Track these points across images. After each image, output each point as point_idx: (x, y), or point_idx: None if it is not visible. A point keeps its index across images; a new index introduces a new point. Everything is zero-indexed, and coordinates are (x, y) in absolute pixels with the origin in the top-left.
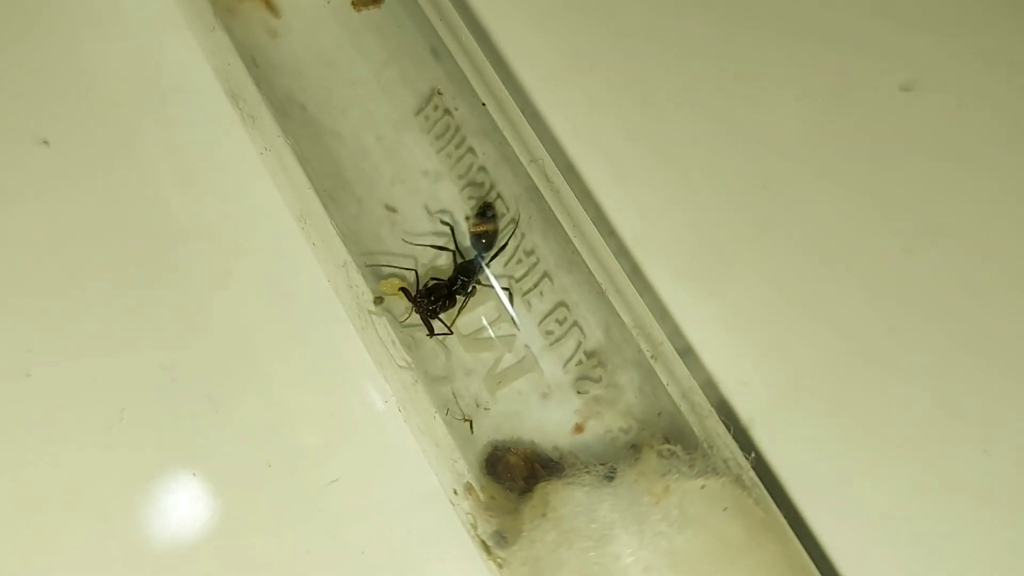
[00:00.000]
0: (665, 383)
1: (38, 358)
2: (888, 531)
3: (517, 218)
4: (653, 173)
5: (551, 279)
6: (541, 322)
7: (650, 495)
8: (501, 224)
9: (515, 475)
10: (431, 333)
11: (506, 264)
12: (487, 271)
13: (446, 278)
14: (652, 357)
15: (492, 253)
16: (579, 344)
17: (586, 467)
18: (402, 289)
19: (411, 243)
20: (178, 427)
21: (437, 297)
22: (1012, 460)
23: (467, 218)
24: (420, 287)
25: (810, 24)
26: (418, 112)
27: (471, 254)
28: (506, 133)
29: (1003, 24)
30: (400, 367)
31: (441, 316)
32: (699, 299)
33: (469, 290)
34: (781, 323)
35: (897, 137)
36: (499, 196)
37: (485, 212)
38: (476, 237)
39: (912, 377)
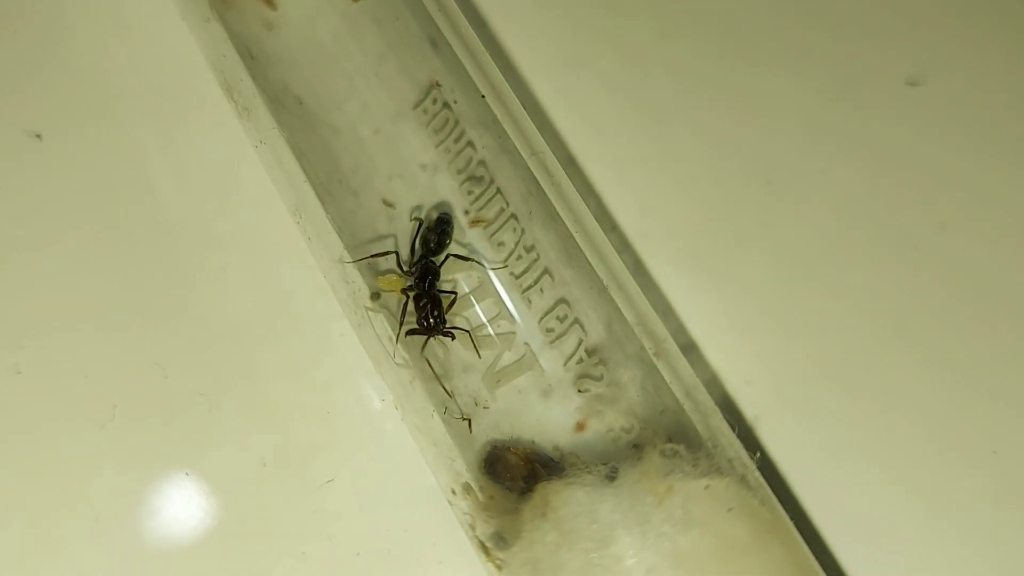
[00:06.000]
0: (668, 381)
1: (29, 355)
2: (895, 532)
3: (516, 212)
4: (656, 167)
5: (552, 275)
6: (541, 319)
7: (653, 495)
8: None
9: (515, 475)
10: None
11: (507, 260)
12: (487, 265)
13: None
14: (655, 354)
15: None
16: (580, 341)
17: (587, 467)
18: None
19: (350, 261)
20: (171, 425)
21: (431, 305)
22: (1022, 461)
23: (466, 212)
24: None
25: (815, 18)
26: (416, 105)
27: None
28: (506, 126)
29: (1009, 17)
30: (397, 364)
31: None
32: (702, 295)
33: (449, 287)
34: (786, 320)
35: (903, 132)
36: (499, 190)
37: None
38: (428, 236)
39: (920, 375)
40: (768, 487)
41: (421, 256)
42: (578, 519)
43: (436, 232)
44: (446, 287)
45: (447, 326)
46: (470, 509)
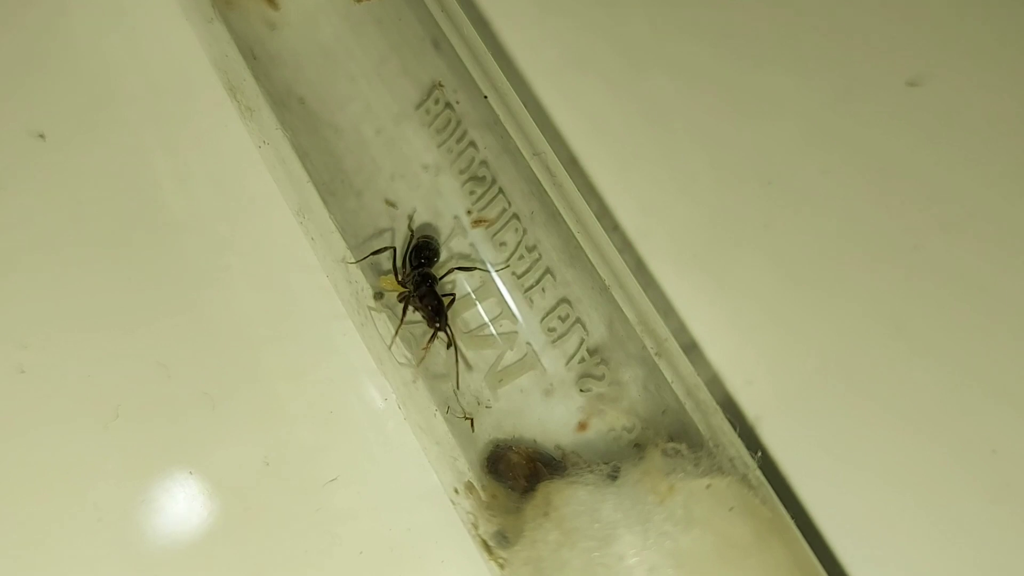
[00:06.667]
0: (670, 380)
1: (33, 355)
2: (896, 531)
3: (519, 212)
4: (657, 167)
5: (553, 275)
6: (543, 319)
7: (654, 494)
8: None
9: (517, 474)
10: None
11: (508, 260)
12: (491, 267)
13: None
14: (656, 354)
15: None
16: (582, 341)
17: (589, 466)
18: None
19: (351, 262)
20: (175, 425)
21: (432, 306)
22: (1021, 460)
23: (468, 212)
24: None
25: (816, 19)
26: (419, 106)
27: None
28: (508, 126)
29: (1009, 18)
30: (400, 364)
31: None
32: (704, 295)
33: (445, 291)
34: (787, 319)
35: (904, 133)
36: (501, 190)
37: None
38: (417, 248)
39: (920, 375)
40: (769, 486)
41: (414, 267)
42: (580, 518)
43: (422, 255)
44: (446, 288)
45: (447, 324)
46: (472, 508)
